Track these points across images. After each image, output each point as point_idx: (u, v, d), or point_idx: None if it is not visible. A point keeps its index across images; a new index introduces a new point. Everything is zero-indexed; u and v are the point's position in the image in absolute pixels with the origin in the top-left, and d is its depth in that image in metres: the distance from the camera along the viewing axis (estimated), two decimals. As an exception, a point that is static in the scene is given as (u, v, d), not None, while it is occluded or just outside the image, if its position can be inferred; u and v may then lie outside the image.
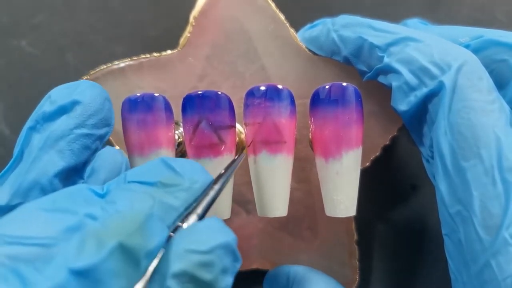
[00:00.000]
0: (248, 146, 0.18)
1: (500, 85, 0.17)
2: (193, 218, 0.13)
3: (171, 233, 0.13)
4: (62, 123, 0.16)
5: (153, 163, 0.15)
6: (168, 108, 0.18)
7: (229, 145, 0.18)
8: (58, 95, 0.16)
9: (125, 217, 0.12)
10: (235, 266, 0.13)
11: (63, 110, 0.16)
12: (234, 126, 0.18)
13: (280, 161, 0.18)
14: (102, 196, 0.14)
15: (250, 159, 0.18)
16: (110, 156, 0.20)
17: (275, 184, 0.18)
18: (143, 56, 0.21)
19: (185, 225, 0.13)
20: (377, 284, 0.23)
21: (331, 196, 0.18)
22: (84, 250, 0.11)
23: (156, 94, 0.18)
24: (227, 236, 0.13)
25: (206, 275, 0.12)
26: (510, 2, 0.25)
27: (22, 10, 0.27)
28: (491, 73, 0.17)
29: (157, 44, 0.25)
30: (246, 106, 0.18)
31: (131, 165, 0.19)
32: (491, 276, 0.14)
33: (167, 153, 0.18)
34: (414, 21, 0.21)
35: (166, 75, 0.21)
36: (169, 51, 0.21)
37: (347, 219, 0.21)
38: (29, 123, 0.16)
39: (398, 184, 0.24)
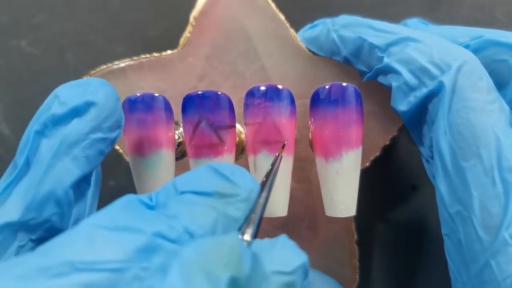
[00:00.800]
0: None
1: (500, 85, 0.17)
2: (251, 229, 0.13)
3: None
4: (76, 127, 0.14)
5: (202, 170, 0.14)
6: (168, 108, 0.18)
7: (229, 145, 0.18)
8: (68, 95, 0.15)
9: (221, 245, 0.11)
10: (305, 285, 0.13)
11: (75, 112, 0.15)
12: (234, 126, 0.18)
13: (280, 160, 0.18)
14: (153, 207, 0.13)
15: (250, 159, 0.18)
16: None
17: (275, 183, 0.18)
18: (143, 56, 0.21)
19: (246, 237, 0.13)
20: (377, 284, 0.23)
21: (331, 196, 0.18)
22: (194, 285, 0.10)
23: (156, 94, 0.18)
24: (303, 255, 0.13)
25: None
26: (510, 2, 0.25)
27: (22, 10, 0.27)
28: (491, 73, 0.17)
29: (157, 44, 0.25)
30: (246, 106, 0.18)
31: (131, 165, 0.18)
32: (491, 276, 0.14)
33: (167, 152, 0.18)
34: (414, 21, 0.21)
35: (166, 75, 0.21)
36: (169, 51, 0.21)
37: (347, 219, 0.21)
38: (35, 126, 0.15)
39: (398, 184, 0.24)
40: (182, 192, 0.13)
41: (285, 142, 0.17)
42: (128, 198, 0.13)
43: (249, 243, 0.13)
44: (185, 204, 0.13)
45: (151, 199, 0.13)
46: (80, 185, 0.15)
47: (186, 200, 0.13)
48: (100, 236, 0.11)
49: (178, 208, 0.13)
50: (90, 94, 0.15)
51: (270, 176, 0.15)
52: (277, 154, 0.16)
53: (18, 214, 0.14)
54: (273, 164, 0.16)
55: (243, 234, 0.13)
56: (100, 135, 0.15)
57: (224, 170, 0.14)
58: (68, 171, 0.14)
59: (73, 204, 0.15)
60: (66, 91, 0.15)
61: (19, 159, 0.15)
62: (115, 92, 0.16)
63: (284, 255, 0.12)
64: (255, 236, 0.13)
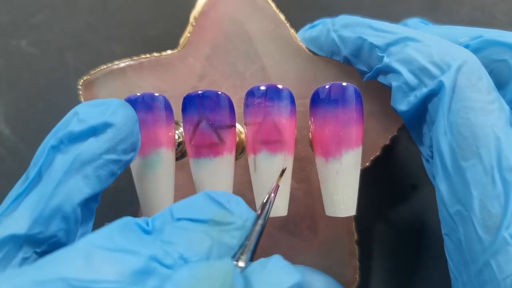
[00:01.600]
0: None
1: (499, 85, 0.17)
2: (246, 257, 0.13)
3: None
4: (91, 146, 0.15)
5: (198, 198, 0.14)
6: (168, 107, 0.18)
7: (229, 145, 0.18)
8: (88, 113, 0.15)
9: (214, 269, 0.12)
10: None
11: (92, 132, 0.15)
12: (234, 126, 0.18)
13: (280, 160, 0.18)
14: (149, 232, 0.13)
15: (250, 158, 0.18)
16: None
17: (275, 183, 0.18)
18: (143, 56, 0.21)
19: (240, 264, 0.13)
20: (377, 284, 0.23)
21: (331, 195, 0.18)
22: None
23: (156, 94, 0.18)
24: (297, 275, 0.13)
25: None
26: (510, 2, 0.25)
27: (22, 10, 0.27)
28: (490, 73, 0.17)
29: (157, 44, 0.25)
30: (246, 105, 0.18)
31: (131, 165, 0.18)
32: (491, 276, 0.14)
33: (167, 152, 0.18)
34: (414, 21, 0.21)
35: (166, 75, 0.21)
36: (169, 51, 0.21)
37: (347, 219, 0.21)
38: (52, 141, 0.15)
39: (398, 184, 0.24)
40: (179, 219, 0.13)
41: (285, 168, 0.17)
42: (126, 220, 0.13)
43: (242, 269, 0.13)
44: (180, 231, 0.13)
45: (147, 224, 0.13)
46: (89, 204, 0.15)
47: (181, 226, 0.13)
48: (97, 255, 0.11)
49: (174, 234, 0.13)
50: (109, 115, 0.15)
51: (266, 205, 0.15)
52: (274, 184, 0.16)
53: (25, 227, 0.14)
54: (269, 194, 0.16)
55: (237, 260, 0.13)
56: (114, 156, 0.15)
57: (219, 198, 0.14)
58: (78, 188, 0.14)
59: (80, 221, 0.15)
60: (86, 109, 0.15)
61: (32, 171, 0.15)
62: (135, 115, 0.16)
63: (275, 276, 0.12)
64: (249, 262, 0.13)
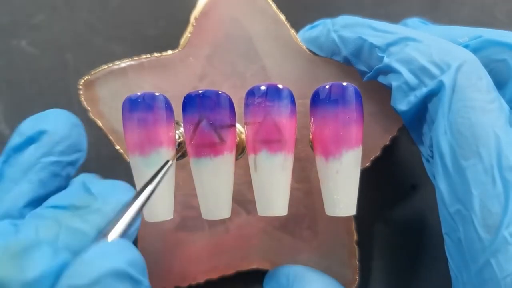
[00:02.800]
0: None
1: (499, 85, 0.17)
2: (103, 238, 0.13)
3: None
4: (30, 153, 0.16)
5: (74, 186, 0.15)
6: (168, 107, 0.18)
7: (229, 144, 0.18)
8: (26, 126, 0.17)
9: (6, 247, 0.12)
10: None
11: (30, 141, 0.16)
12: (235, 125, 0.18)
13: (280, 160, 0.18)
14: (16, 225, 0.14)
15: (250, 158, 0.18)
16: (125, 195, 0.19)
17: (275, 183, 0.18)
18: (144, 56, 0.21)
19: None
20: (377, 284, 0.23)
21: (331, 195, 0.18)
22: None
23: (156, 93, 0.18)
24: (117, 260, 0.12)
25: None
26: (510, 2, 0.25)
27: (22, 10, 0.27)
28: (490, 72, 0.17)
29: (157, 44, 0.25)
30: (247, 105, 0.18)
31: (132, 164, 0.18)
32: (491, 275, 0.14)
33: (168, 151, 0.18)
34: (414, 21, 0.21)
35: (167, 75, 0.21)
36: (169, 51, 0.21)
37: (347, 219, 0.21)
38: (1, 157, 0.17)
39: (398, 184, 0.24)
40: (46, 207, 0.14)
41: (184, 149, 0.17)
42: (2, 223, 0.14)
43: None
44: (34, 218, 0.13)
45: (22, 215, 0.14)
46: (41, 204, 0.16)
47: (39, 214, 0.14)
48: None
49: (27, 222, 0.13)
50: (43, 124, 0.16)
51: (146, 185, 0.15)
52: (167, 160, 0.16)
53: None
54: (157, 171, 0.16)
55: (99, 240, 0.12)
56: (52, 158, 0.16)
57: (92, 184, 0.14)
58: (21, 193, 0.16)
59: None
60: (25, 124, 0.17)
61: None
62: (72, 119, 0.17)
63: (86, 264, 0.12)
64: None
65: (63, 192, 0.15)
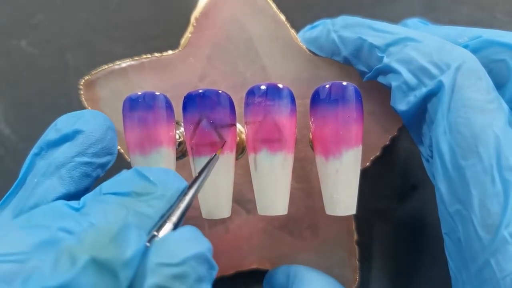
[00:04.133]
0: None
1: (498, 85, 0.17)
2: (168, 227, 0.14)
3: (147, 243, 0.13)
4: (64, 151, 0.16)
5: (127, 174, 0.15)
6: (169, 106, 0.18)
7: (229, 144, 0.18)
8: (63, 123, 0.17)
9: (99, 230, 0.12)
10: (211, 274, 0.13)
11: (66, 138, 0.17)
12: (235, 125, 0.18)
13: (280, 159, 0.18)
14: (77, 210, 0.14)
15: (251, 157, 0.18)
16: None
17: (275, 182, 0.18)
18: (145, 56, 0.21)
19: (160, 234, 0.13)
20: (377, 284, 0.23)
21: (331, 194, 0.18)
22: (58, 267, 0.11)
23: (157, 93, 0.18)
24: (200, 246, 0.13)
25: (180, 287, 0.12)
26: (510, 2, 0.25)
27: (22, 10, 0.27)
28: (489, 73, 0.17)
29: (157, 44, 0.25)
30: (247, 105, 0.18)
31: (132, 164, 0.19)
32: (491, 275, 0.14)
33: (168, 151, 0.18)
34: (414, 21, 0.21)
35: (167, 75, 0.21)
36: (170, 51, 0.21)
37: (347, 218, 0.21)
38: (34, 149, 0.17)
39: (398, 184, 0.24)
40: (104, 194, 0.14)
41: (225, 141, 0.17)
42: (56, 203, 0.14)
43: (155, 237, 0.13)
44: (100, 204, 0.14)
45: (79, 203, 0.14)
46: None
47: (103, 200, 0.14)
48: (11, 233, 0.13)
49: (92, 207, 0.14)
50: (80, 123, 0.17)
51: (200, 174, 0.16)
52: (214, 154, 0.17)
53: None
54: (207, 163, 0.16)
55: (159, 229, 0.13)
56: (85, 159, 0.16)
57: (147, 172, 0.15)
58: (53, 188, 0.16)
59: None
60: (63, 120, 0.17)
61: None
62: (107, 122, 0.17)
63: (176, 246, 0.13)
64: (176, 227, 0.14)
65: (115, 179, 0.15)
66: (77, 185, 0.16)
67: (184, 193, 0.15)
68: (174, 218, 0.14)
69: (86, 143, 0.17)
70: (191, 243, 0.13)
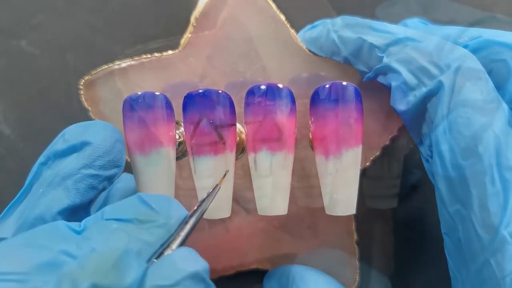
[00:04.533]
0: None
1: (498, 85, 0.17)
2: (167, 254, 0.14)
3: None
4: (71, 162, 0.16)
5: (130, 200, 0.15)
6: (169, 106, 0.18)
7: (229, 143, 0.18)
8: (71, 134, 0.17)
9: (100, 256, 0.12)
10: None
11: (73, 149, 0.17)
12: (235, 125, 0.18)
13: (280, 159, 0.18)
14: (78, 232, 0.14)
15: (250, 157, 0.18)
16: (126, 183, 0.20)
17: (275, 182, 0.18)
18: (145, 56, 0.21)
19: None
20: (377, 284, 0.23)
21: (331, 194, 0.18)
22: None
23: (157, 93, 0.18)
24: (195, 266, 0.13)
25: None
26: (510, 1, 0.25)
27: (22, 10, 0.27)
28: (489, 73, 0.17)
29: (157, 44, 0.25)
30: (247, 104, 0.18)
31: (132, 164, 0.19)
32: (490, 275, 0.14)
33: (168, 151, 0.18)
34: (414, 21, 0.21)
35: (167, 75, 0.21)
36: (170, 51, 0.21)
37: (347, 219, 0.21)
38: (41, 158, 0.17)
39: (398, 184, 0.24)
40: (107, 219, 0.14)
41: (227, 171, 0.18)
42: (57, 223, 0.14)
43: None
44: (101, 228, 0.14)
45: (80, 226, 0.14)
46: (76, 214, 0.17)
47: (105, 225, 0.14)
48: (13, 251, 0.13)
49: (94, 231, 0.14)
50: (88, 135, 0.17)
51: (201, 203, 0.16)
52: (216, 184, 0.17)
53: (11, 233, 0.16)
54: (208, 193, 0.17)
55: (157, 258, 0.14)
56: (91, 171, 0.16)
57: (149, 199, 0.15)
58: (58, 199, 0.16)
59: None
60: (71, 130, 0.17)
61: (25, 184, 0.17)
62: (116, 135, 0.17)
63: (170, 268, 0.13)
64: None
65: (119, 205, 0.15)
66: (82, 197, 0.16)
67: (185, 221, 0.15)
68: (174, 246, 0.14)
69: (93, 155, 0.16)
70: (186, 264, 0.13)
